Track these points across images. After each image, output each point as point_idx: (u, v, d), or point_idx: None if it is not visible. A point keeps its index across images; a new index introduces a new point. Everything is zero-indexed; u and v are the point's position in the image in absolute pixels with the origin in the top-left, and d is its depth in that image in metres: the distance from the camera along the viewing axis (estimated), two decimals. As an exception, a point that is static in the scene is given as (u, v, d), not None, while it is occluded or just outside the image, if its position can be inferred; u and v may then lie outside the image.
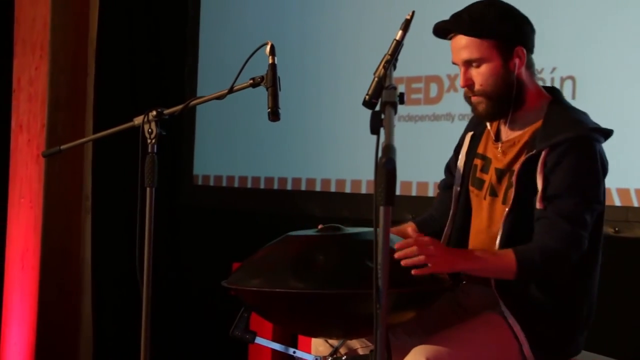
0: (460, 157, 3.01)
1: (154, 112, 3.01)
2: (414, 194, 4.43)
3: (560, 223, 2.66)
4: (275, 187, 5.08)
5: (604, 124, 2.82)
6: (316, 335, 2.91)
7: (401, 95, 2.29)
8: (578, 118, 2.78)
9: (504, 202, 2.80)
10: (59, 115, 5.46)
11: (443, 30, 2.83)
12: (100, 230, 5.48)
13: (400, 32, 2.55)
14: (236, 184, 5.28)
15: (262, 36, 2.99)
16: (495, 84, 2.79)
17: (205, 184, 5.45)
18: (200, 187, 5.48)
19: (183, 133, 5.51)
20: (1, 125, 5.66)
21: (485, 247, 2.83)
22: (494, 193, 2.85)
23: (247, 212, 5.22)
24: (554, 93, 2.89)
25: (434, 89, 4.43)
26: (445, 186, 3.09)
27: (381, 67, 2.49)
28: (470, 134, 3.01)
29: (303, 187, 4.94)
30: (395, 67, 2.51)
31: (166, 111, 3.03)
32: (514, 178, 2.76)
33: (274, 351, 4.48)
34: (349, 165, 4.73)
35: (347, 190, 4.74)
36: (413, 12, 2.56)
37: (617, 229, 3.77)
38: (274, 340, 3.03)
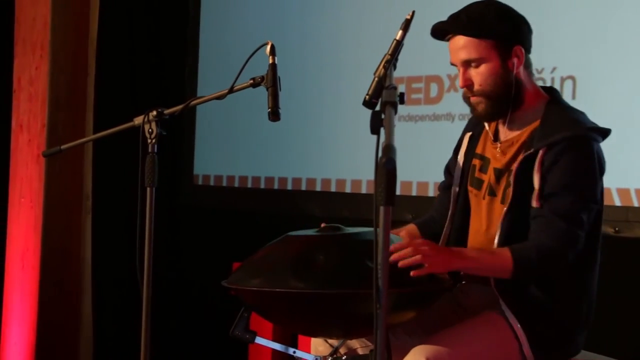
0: (458, 157, 3.01)
1: (154, 112, 3.01)
2: (414, 194, 4.43)
3: (557, 221, 2.67)
4: (276, 187, 5.08)
5: (604, 124, 2.82)
6: (316, 335, 2.91)
7: (401, 95, 2.30)
8: (576, 117, 2.78)
9: (503, 202, 2.80)
10: (59, 115, 5.47)
11: (441, 31, 2.84)
12: (100, 230, 5.48)
13: (400, 32, 2.55)
14: (236, 184, 5.28)
15: (262, 36, 2.99)
16: (494, 84, 2.79)
17: (206, 184, 5.45)
18: (200, 187, 5.48)
19: (183, 133, 5.51)
20: (1, 125, 5.66)
21: (484, 246, 2.84)
22: (492, 193, 2.86)
23: (247, 212, 5.22)
24: (552, 93, 2.89)
25: (434, 89, 4.43)
26: (445, 187, 3.09)
27: (381, 67, 2.49)
28: (468, 134, 3.01)
29: (303, 187, 4.94)
30: (395, 67, 2.51)
31: (166, 111, 3.03)
32: (511, 177, 2.76)
33: (274, 351, 4.48)
34: (349, 165, 4.74)
35: (348, 190, 4.74)
36: (413, 12, 2.56)
37: (617, 229, 3.78)
38: (274, 340, 3.03)
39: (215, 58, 5.42)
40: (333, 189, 4.80)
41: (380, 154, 2.05)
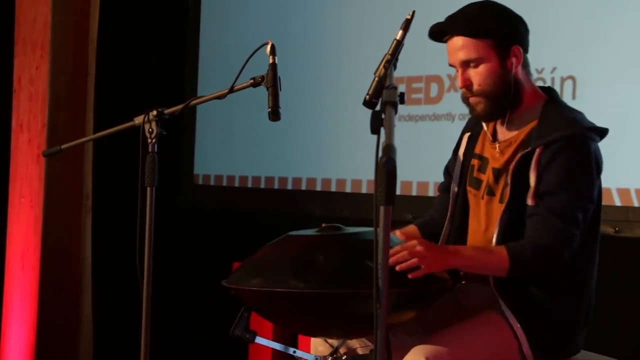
0: (457, 157, 3.01)
1: (155, 112, 3.01)
2: (414, 193, 4.43)
3: (552, 220, 2.67)
4: (276, 186, 5.08)
5: (604, 124, 2.82)
6: (316, 335, 2.91)
7: (401, 95, 2.30)
8: (573, 117, 2.79)
9: (501, 201, 2.80)
10: (59, 115, 5.47)
11: (439, 32, 2.84)
12: (100, 230, 5.48)
13: (400, 32, 2.55)
14: (236, 184, 5.28)
15: (262, 36, 2.99)
16: (493, 84, 2.80)
17: (206, 184, 5.45)
18: (200, 186, 5.48)
19: (183, 133, 5.51)
20: (2, 125, 5.66)
21: (482, 246, 2.84)
22: (491, 193, 2.86)
23: (247, 212, 5.22)
24: (549, 93, 2.90)
25: (434, 89, 4.43)
26: (444, 188, 3.10)
27: (381, 66, 2.49)
28: (467, 134, 3.02)
29: (303, 187, 4.94)
30: (395, 67, 2.51)
31: (166, 111, 3.03)
32: (509, 176, 2.76)
33: (274, 351, 4.48)
34: (350, 165, 4.73)
35: (348, 190, 4.74)
36: (413, 12, 2.56)
37: (617, 228, 3.78)
38: (274, 339, 3.03)
39: (215, 58, 5.42)
40: (333, 188, 4.80)
41: (380, 154, 2.05)
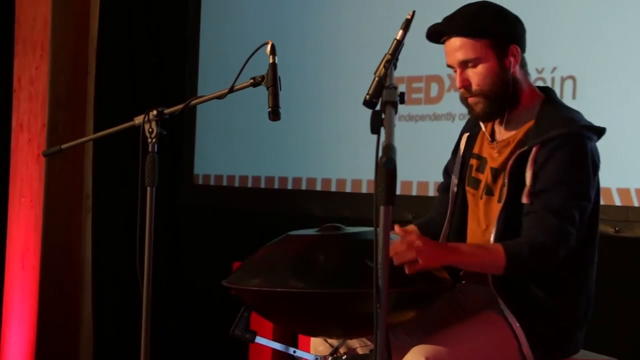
0: (456, 158, 3.02)
1: (155, 112, 3.01)
2: (414, 193, 4.43)
3: (549, 217, 2.67)
4: (276, 186, 5.08)
5: (604, 123, 2.82)
6: (316, 334, 2.91)
7: (402, 94, 2.30)
8: (570, 116, 2.79)
9: (500, 201, 2.81)
10: (59, 115, 5.47)
11: (436, 33, 2.85)
12: (100, 229, 5.48)
13: (400, 32, 2.55)
14: (237, 184, 5.28)
15: (262, 36, 2.99)
16: (492, 83, 2.80)
17: (206, 184, 5.45)
18: (200, 186, 5.48)
19: (183, 132, 5.51)
20: (2, 125, 5.67)
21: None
22: (490, 192, 2.87)
23: (247, 212, 5.22)
24: (547, 92, 2.91)
25: (434, 89, 4.43)
26: (444, 188, 3.10)
27: (382, 66, 2.49)
28: (466, 135, 3.03)
29: (303, 187, 4.94)
30: (395, 67, 2.51)
31: (167, 110, 3.03)
32: (506, 175, 2.77)
33: (274, 350, 4.48)
34: (350, 164, 4.73)
35: (348, 189, 4.74)
36: (414, 12, 2.57)
37: (617, 228, 3.78)
38: (275, 339, 3.03)
39: (215, 58, 5.42)
40: (333, 188, 4.80)
41: (380, 154, 2.05)
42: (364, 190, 4.66)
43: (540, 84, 3.63)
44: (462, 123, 3.13)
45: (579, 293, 2.80)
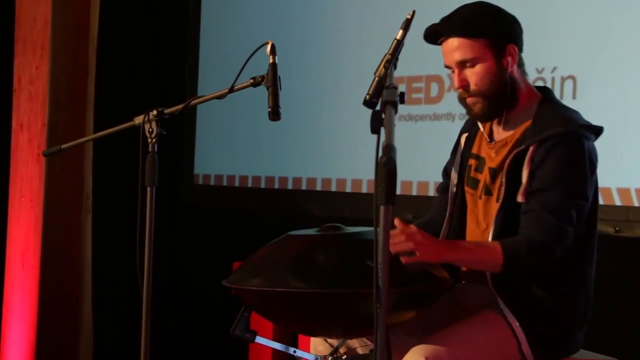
0: (455, 158, 3.02)
1: (155, 112, 3.01)
2: (414, 193, 4.43)
3: (546, 216, 2.67)
4: (276, 186, 5.08)
5: (604, 123, 2.83)
6: (316, 334, 2.91)
7: (402, 94, 2.30)
8: (568, 115, 2.80)
9: (498, 201, 2.81)
10: (59, 115, 5.47)
11: (434, 34, 2.85)
12: (100, 229, 5.48)
13: (400, 32, 2.55)
14: (237, 184, 5.28)
15: (262, 36, 2.99)
16: (490, 83, 2.80)
17: (206, 184, 5.45)
18: (200, 186, 5.48)
19: (184, 132, 5.51)
20: (2, 125, 5.67)
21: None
22: (488, 192, 2.87)
23: (247, 212, 5.22)
24: (544, 92, 2.91)
25: (434, 89, 4.43)
26: (443, 189, 3.10)
27: (382, 66, 2.49)
28: (465, 135, 3.03)
29: (304, 187, 4.94)
30: (395, 67, 2.51)
31: (167, 110, 3.03)
32: (504, 175, 2.77)
33: (274, 350, 4.48)
34: (350, 164, 4.73)
35: (348, 189, 4.74)
36: (414, 12, 2.57)
37: (617, 228, 3.78)
38: (275, 339, 3.03)
39: (215, 58, 5.42)
40: (333, 188, 4.80)
41: (380, 154, 2.06)
42: (364, 190, 4.66)
43: (540, 83, 3.63)
44: (462, 123, 3.13)
45: (578, 292, 2.80)
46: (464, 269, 2.92)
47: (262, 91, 2.91)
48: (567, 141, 2.72)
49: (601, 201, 3.63)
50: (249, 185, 5.21)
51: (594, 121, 2.82)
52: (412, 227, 2.63)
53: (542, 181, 2.71)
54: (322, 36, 4.93)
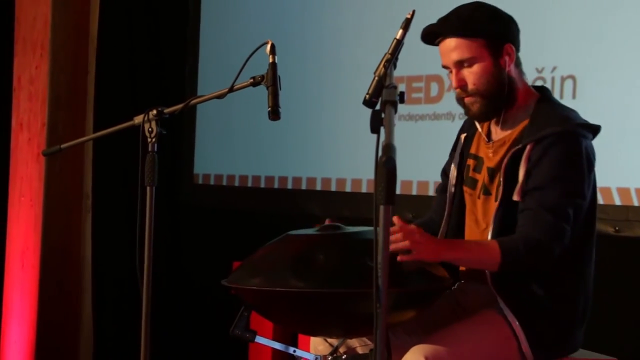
0: (454, 159, 3.02)
1: (154, 111, 3.01)
2: (414, 193, 4.43)
3: (544, 215, 2.68)
4: (276, 186, 5.08)
5: (604, 123, 2.83)
6: (316, 334, 2.91)
7: (401, 94, 2.30)
8: (565, 114, 2.80)
9: (497, 200, 2.81)
10: (59, 114, 5.47)
11: (431, 34, 2.85)
12: (100, 229, 5.48)
13: (400, 31, 2.55)
14: (236, 183, 5.28)
15: (262, 36, 2.99)
16: (488, 82, 2.81)
17: (206, 183, 5.45)
18: (200, 186, 5.48)
19: (183, 132, 5.51)
20: (1, 124, 5.66)
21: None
22: (487, 192, 2.87)
23: (247, 211, 5.22)
24: (542, 91, 2.91)
25: (434, 88, 4.43)
26: (442, 189, 3.11)
27: (381, 66, 2.49)
28: (463, 135, 3.04)
29: (303, 186, 4.94)
30: (395, 66, 2.51)
31: (166, 110, 3.03)
32: (501, 174, 2.77)
33: (274, 350, 4.48)
34: (350, 164, 4.73)
35: (348, 189, 4.74)
36: (414, 11, 2.57)
37: (617, 228, 3.78)
38: (274, 339, 3.03)
39: (215, 58, 5.42)
40: (333, 188, 4.80)
41: (380, 153, 2.06)
42: (364, 189, 4.66)
43: (540, 83, 3.63)
44: (462, 123, 3.13)
45: (578, 291, 2.80)
46: (463, 268, 2.92)
47: (262, 91, 2.91)
48: (564, 140, 2.72)
49: (601, 201, 3.64)
50: (249, 185, 5.21)
51: (594, 121, 2.82)
52: (411, 226, 2.63)
53: (539, 180, 2.71)
54: (322, 36, 4.93)
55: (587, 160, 2.75)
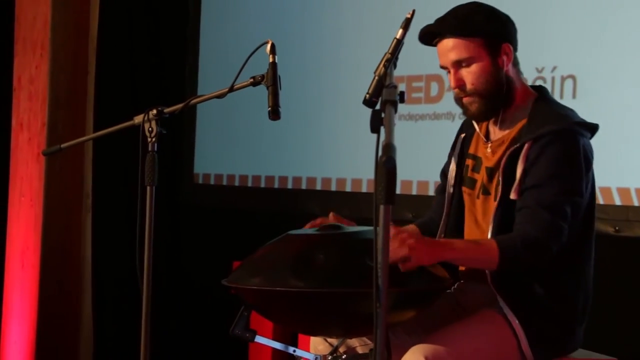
0: (453, 159, 3.03)
1: (155, 111, 3.01)
2: (414, 192, 4.43)
3: (541, 213, 2.68)
4: (276, 185, 5.08)
5: (604, 123, 2.83)
6: (316, 334, 2.91)
7: (401, 94, 2.30)
8: (563, 113, 2.81)
9: (496, 199, 2.81)
10: (59, 114, 5.47)
11: (429, 34, 2.86)
12: (100, 228, 5.48)
13: (400, 31, 2.55)
14: (237, 183, 5.28)
15: (262, 35, 2.99)
16: (486, 82, 2.81)
17: (206, 183, 5.45)
18: (200, 185, 5.48)
19: (183, 132, 5.51)
20: (2, 124, 5.67)
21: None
22: (486, 192, 2.87)
23: (247, 211, 5.22)
24: (540, 90, 2.91)
25: (434, 88, 4.43)
26: (441, 190, 3.11)
27: (381, 65, 2.49)
28: (462, 135, 3.04)
29: (303, 186, 4.94)
30: (395, 66, 2.51)
31: (166, 110, 3.03)
32: (500, 173, 2.77)
33: (274, 350, 4.48)
34: (350, 164, 4.74)
35: (348, 189, 4.74)
36: (413, 11, 2.57)
37: (617, 228, 3.78)
38: (274, 339, 3.03)
39: (215, 57, 5.42)
40: (333, 187, 4.80)
41: (380, 153, 2.06)
42: (364, 189, 4.66)
43: (540, 83, 3.63)
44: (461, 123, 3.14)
45: (577, 290, 2.80)
46: (463, 268, 2.92)
47: (262, 90, 2.91)
48: (562, 138, 2.73)
49: (601, 201, 3.65)
50: (249, 184, 5.21)
51: (595, 121, 2.82)
52: (405, 232, 2.61)
53: (537, 178, 2.71)
54: (322, 35, 4.93)
55: (585, 159, 2.75)
